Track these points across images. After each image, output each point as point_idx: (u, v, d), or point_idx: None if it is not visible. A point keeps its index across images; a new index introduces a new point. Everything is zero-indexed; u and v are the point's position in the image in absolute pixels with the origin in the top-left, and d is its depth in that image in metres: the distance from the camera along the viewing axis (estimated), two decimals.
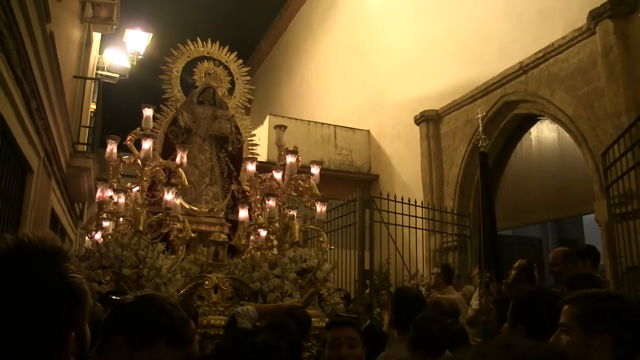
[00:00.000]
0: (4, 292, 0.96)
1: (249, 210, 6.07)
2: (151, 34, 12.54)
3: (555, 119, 8.40)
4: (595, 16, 7.31)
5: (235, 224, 6.31)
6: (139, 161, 5.78)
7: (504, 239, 9.00)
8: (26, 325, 0.96)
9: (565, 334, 1.82)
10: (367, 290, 8.38)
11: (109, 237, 5.40)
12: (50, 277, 1.01)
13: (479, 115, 7.45)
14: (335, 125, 13.83)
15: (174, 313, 1.64)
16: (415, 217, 9.03)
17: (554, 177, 8.76)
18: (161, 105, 6.97)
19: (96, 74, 12.10)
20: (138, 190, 5.95)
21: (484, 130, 9.01)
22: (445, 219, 9.77)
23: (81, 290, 1.07)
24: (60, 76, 5.87)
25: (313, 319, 4.95)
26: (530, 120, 9.33)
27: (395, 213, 8.81)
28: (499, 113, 9.49)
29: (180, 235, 5.66)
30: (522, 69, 8.83)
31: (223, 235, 5.59)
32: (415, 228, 9.00)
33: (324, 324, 4.98)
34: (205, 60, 7.29)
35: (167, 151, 6.70)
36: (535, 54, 8.58)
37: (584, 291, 1.97)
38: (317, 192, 5.79)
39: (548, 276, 8.12)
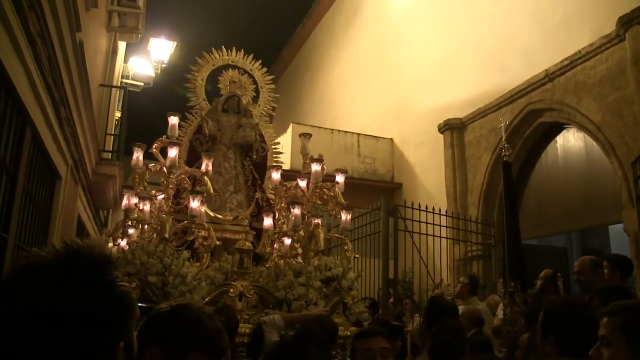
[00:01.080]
0: (56, 300, 0.95)
1: (274, 218, 6.08)
2: (175, 43, 12.66)
3: (581, 127, 8.28)
4: (625, 22, 7.20)
5: (259, 232, 6.32)
6: (165, 169, 5.82)
7: (528, 248, 8.87)
8: (77, 334, 0.95)
9: (607, 348, 1.77)
10: (391, 299, 8.33)
11: (135, 244, 5.44)
12: (101, 286, 1.01)
13: (502, 125, 7.38)
14: (358, 134, 13.81)
15: (209, 323, 1.63)
16: (440, 225, 8.96)
17: (580, 186, 8.64)
18: (186, 113, 7.02)
19: (121, 82, 12.25)
20: (163, 198, 6.00)
21: (509, 139, 8.93)
22: (469, 228, 9.67)
23: (130, 299, 1.06)
24: (88, 85, 5.94)
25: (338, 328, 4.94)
26: (556, 128, 9.21)
27: (420, 222, 8.74)
28: (524, 121, 9.39)
29: (205, 243, 5.67)
30: (548, 77, 8.74)
31: (248, 243, 5.60)
32: (440, 237, 8.92)
33: (349, 333, 4.97)
34: (230, 69, 7.33)
35: (192, 159, 6.75)
36: (562, 61, 8.47)
37: (623, 302, 1.92)
38: (342, 200, 5.78)
39: (573, 286, 8.00)
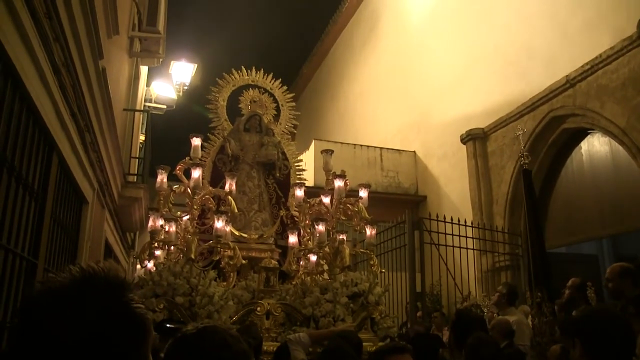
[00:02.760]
0: (71, 324, 0.97)
1: (299, 235, 6.08)
2: (196, 65, 12.83)
3: (606, 132, 8.17)
4: None
5: (285, 249, 6.33)
6: (189, 190, 5.88)
7: (557, 257, 8.74)
8: (94, 357, 0.97)
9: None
10: (419, 313, 8.25)
11: (162, 265, 5.48)
12: (116, 308, 1.03)
13: (520, 132, 7.32)
14: (381, 148, 13.80)
15: (236, 346, 1.63)
16: (466, 237, 8.87)
17: (608, 192, 8.48)
18: (208, 134, 7.10)
19: (144, 106, 12.42)
20: (188, 219, 6.04)
21: (532, 146, 8.86)
22: (496, 239, 9.56)
23: (146, 320, 1.08)
24: (111, 110, 6.04)
25: (366, 344, 4.90)
26: (580, 134, 9.09)
27: (445, 234, 8.69)
28: (547, 128, 9.30)
29: (231, 262, 5.70)
30: (569, 83, 8.65)
31: (273, 261, 5.61)
32: (466, 248, 8.84)
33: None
34: (250, 88, 7.40)
35: (216, 179, 6.80)
36: (583, 66, 8.39)
37: None
38: (367, 215, 5.76)
39: (606, 294, 7.84)
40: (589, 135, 8.99)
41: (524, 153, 6.47)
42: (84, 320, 0.98)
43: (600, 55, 8.06)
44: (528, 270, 6.17)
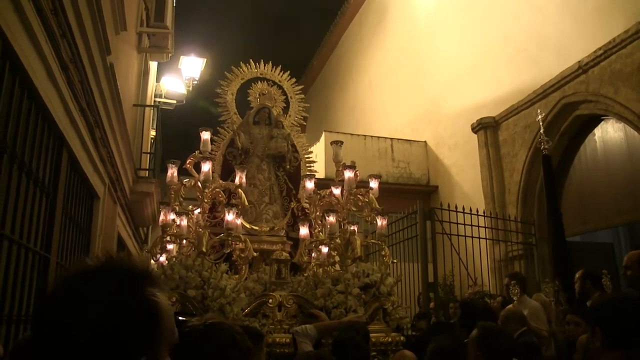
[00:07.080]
0: (83, 316, 0.96)
1: (310, 227, 6.06)
2: (205, 59, 12.83)
3: (621, 118, 8.06)
4: None
5: (296, 241, 6.32)
6: (199, 184, 5.88)
7: (572, 245, 8.65)
8: (108, 346, 0.96)
9: None
10: (432, 304, 8.22)
11: (174, 259, 5.50)
12: (132, 301, 1.01)
13: (539, 117, 7.22)
14: (391, 139, 13.75)
15: (242, 343, 1.63)
16: (478, 226, 8.82)
17: (623, 179, 8.38)
18: (218, 128, 7.09)
19: (154, 101, 12.45)
20: (199, 212, 6.06)
21: (544, 134, 8.76)
22: (509, 228, 9.50)
23: (161, 313, 1.05)
24: (121, 105, 6.06)
25: (378, 334, 4.91)
26: (593, 121, 8.99)
27: (457, 224, 8.64)
28: (559, 116, 9.20)
29: (242, 255, 5.69)
30: (582, 69, 8.55)
31: (285, 254, 5.60)
32: (479, 238, 8.78)
33: (390, 339, 4.92)
34: (259, 81, 7.38)
35: (226, 172, 6.80)
36: (595, 51, 8.28)
37: None
38: (377, 206, 5.73)
39: (623, 282, 7.76)
40: (602, 122, 8.89)
41: (544, 138, 6.33)
42: (94, 313, 0.96)
43: (614, 39, 7.94)
44: (551, 257, 6.08)
